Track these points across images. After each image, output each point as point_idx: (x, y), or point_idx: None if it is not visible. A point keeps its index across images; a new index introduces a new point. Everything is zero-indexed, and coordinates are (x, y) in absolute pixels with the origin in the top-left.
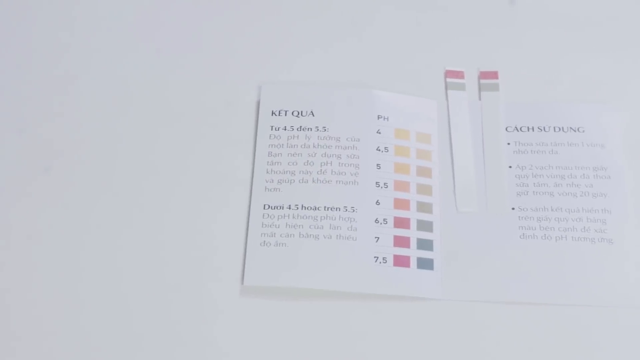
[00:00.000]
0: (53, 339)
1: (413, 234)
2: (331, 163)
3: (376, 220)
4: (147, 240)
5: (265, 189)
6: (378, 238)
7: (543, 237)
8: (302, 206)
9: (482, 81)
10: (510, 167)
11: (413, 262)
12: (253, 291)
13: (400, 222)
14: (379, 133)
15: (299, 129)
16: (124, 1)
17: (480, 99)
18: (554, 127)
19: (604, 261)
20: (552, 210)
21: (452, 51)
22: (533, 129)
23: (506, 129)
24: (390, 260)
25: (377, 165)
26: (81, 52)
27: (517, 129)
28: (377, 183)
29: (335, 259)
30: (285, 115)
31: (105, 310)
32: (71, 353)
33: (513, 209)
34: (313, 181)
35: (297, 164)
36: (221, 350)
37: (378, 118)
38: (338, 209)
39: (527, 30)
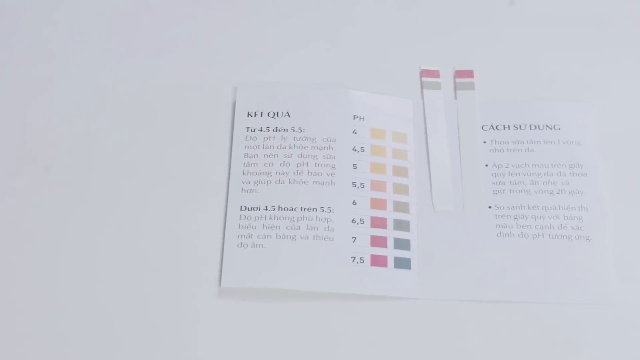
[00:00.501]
0: (33, 340)
1: (390, 233)
2: (307, 164)
3: (353, 220)
4: (123, 242)
5: (242, 190)
6: (355, 238)
7: (520, 235)
8: (279, 207)
9: (458, 80)
10: (486, 165)
11: (390, 262)
12: (230, 293)
13: (377, 222)
14: (355, 133)
15: (274, 130)
16: (103, 6)
17: (456, 97)
18: (530, 125)
19: (581, 258)
20: (528, 208)
21: (427, 50)
22: (509, 127)
23: (482, 128)
24: (368, 260)
25: (354, 165)
26: (61, 55)
27: (493, 128)
28: (353, 183)
29: (313, 260)
30: (261, 116)
31: (84, 313)
32: (48, 353)
33: (490, 207)
34: (289, 182)
35: (273, 164)
36: (199, 352)
37: (354, 118)
38: (315, 210)
39: (502, 28)
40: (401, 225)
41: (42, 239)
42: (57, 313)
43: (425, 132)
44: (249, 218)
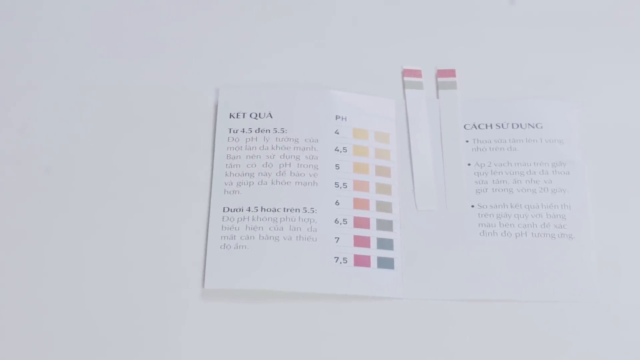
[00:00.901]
0: (18, 340)
1: (373, 233)
2: (290, 164)
3: (336, 220)
4: (107, 244)
5: (225, 191)
6: (338, 238)
7: (503, 234)
8: (262, 208)
9: (440, 79)
10: (469, 164)
11: (373, 262)
12: (214, 294)
13: (360, 222)
14: (337, 133)
15: (257, 131)
16: (87, 9)
17: (438, 97)
18: (512, 124)
19: (564, 256)
20: (511, 206)
21: (409, 50)
22: (491, 126)
23: (464, 127)
24: (351, 260)
25: (336, 165)
26: (43, 58)
27: (475, 127)
28: (336, 183)
29: (296, 260)
30: (244, 117)
31: (68, 316)
32: (34, 354)
33: (472, 206)
34: (272, 183)
35: (255, 166)
36: (184, 354)
37: (336, 118)
38: (298, 210)
39: (483, 28)
40: (384, 225)
41: (25, 242)
42: (41, 314)
43: (408, 132)
44: (231, 219)
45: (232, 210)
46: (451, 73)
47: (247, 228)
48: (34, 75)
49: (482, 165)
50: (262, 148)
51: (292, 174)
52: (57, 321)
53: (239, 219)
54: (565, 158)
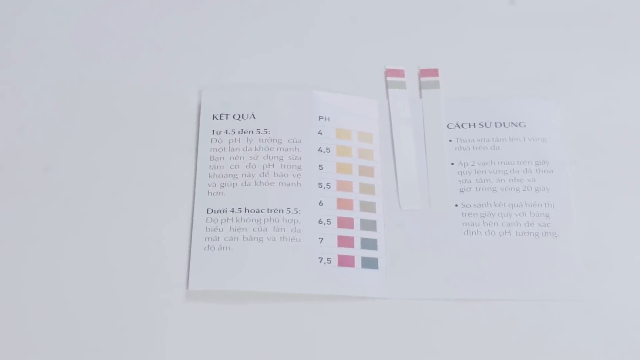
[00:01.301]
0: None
1: (357, 233)
2: (273, 165)
3: (319, 221)
4: (91, 246)
5: (208, 193)
6: (322, 239)
7: (487, 233)
8: (246, 209)
9: (423, 79)
10: (452, 164)
11: (357, 262)
12: (198, 296)
13: (344, 222)
14: (321, 134)
15: (240, 132)
16: (70, 10)
17: (421, 96)
18: (495, 123)
19: (548, 255)
20: (495, 205)
21: (391, 50)
22: (474, 125)
23: (447, 126)
24: (335, 260)
25: (319, 165)
26: (25, 57)
27: (458, 126)
28: (319, 184)
29: (280, 261)
30: (227, 118)
31: (51, 316)
32: (15, 356)
33: (456, 205)
34: (256, 184)
35: (239, 167)
36: (168, 355)
37: (319, 119)
38: (281, 211)
39: (466, 27)
40: (368, 225)
41: (7, 243)
42: (25, 315)
43: (391, 132)
44: (215, 221)
45: (216, 211)
46: (434, 72)
47: (231, 229)
48: (17, 77)
49: (466, 164)
50: (245, 149)
51: (276, 175)
52: (41, 322)
53: (223, 220)
54: (548, 156)
